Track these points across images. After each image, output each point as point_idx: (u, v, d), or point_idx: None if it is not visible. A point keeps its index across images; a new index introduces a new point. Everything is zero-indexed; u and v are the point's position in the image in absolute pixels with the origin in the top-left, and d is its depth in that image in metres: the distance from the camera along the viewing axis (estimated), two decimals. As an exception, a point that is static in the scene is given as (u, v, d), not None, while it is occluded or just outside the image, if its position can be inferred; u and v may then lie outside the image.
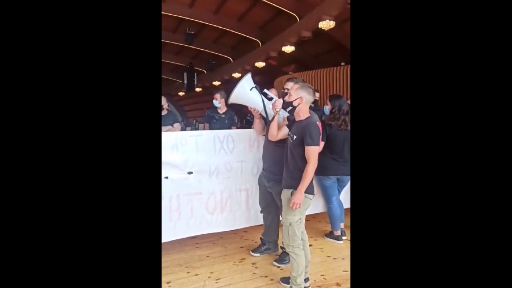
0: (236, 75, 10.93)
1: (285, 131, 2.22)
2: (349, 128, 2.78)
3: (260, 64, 9.97)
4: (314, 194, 2.13)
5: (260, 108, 2.44)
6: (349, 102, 3.07)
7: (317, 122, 2.08)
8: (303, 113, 2.07)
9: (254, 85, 2.41)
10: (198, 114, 11.66)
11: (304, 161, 2.01)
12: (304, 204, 2.04)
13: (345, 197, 3.11)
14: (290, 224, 2.06)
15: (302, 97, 2.04)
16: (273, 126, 2.25)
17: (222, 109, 3.96)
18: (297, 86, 2.12)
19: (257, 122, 2.62)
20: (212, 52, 12.38)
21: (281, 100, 2.20)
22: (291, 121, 2.24)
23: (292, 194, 2.04)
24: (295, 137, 2.05)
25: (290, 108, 2.09)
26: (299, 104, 2.05)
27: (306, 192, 2.03)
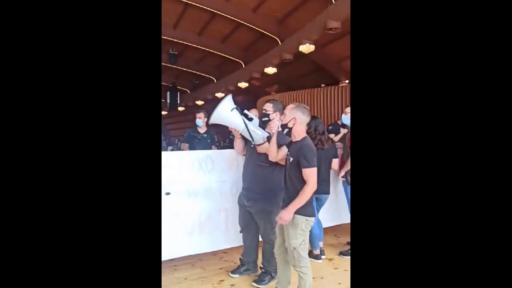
0: (219, 94, 11.06)
1: (284, 151, 2.18)
2: (325, 147, 2.86)
3: (243, 85, 10.14)
4: (315, 216, 2.12)
5: (240, 128, 2.48)
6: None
7: (312, 143, 2.06)
8: (298, 133, 2.05)
9: (234, 106, 2.46)
10: (181, 133, 11.61)
11: (302, 183, 1.98)
12: (306, 225, 2.02)
13: (324, 216, 3.15)
14: (295, 248, 2.02)
15: (296, 117, 2.03)
16: (272, 146, 2.24)
17: (203, 128, 4.00)
18: (292, 106, 2.10)
19: (238, 142, 2.65)
20: (196, 72, 12.52)
21: (276, 121, 2.24)
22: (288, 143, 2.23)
23: (293, 218, 2.00)
24: (291, 159, 2.03)
25: (286, 129, 2.07)
26: (294, 125, 2.03)
27: (306, 215, 2.00)
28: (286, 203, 2.03)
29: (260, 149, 2.39)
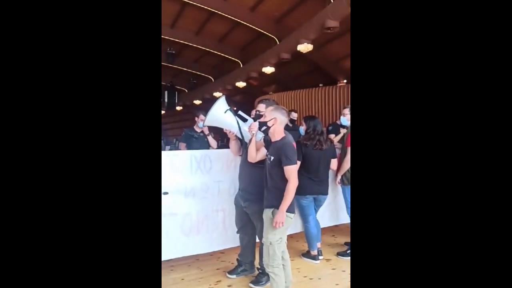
0: (217, 94, 11.03)
1: (263, 152, 2.25)
2: (324, 147, 2.85)
3: (241, 84, 10.11)
4: (294, 213, 2.15)
5: (235, 130, 2.47)
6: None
7: (292, 142, 2.13)
8: (278, 133, 2.12)
9: (228, 108, 2.45)
10: (179, 133, 11.54)
11: (283, 180, 2.04)
12: (285, 223, 2.05)
13: (322, 216, 3.13)
14: (271, 244, 2.06)
15: (276, 118, 2.10)
16: (252, 148, 2.29)
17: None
18: (271, 108, 2.19)
19: (233, 144, 2.64)
20: (193, 71, 12.48)
21: (256, 123, 2.25)
22: (267, 142, 2.28)
23: (273, 213, 2.05)
24: (272, 157, 2.09)
25: (264, 128, 2.14)
26: (273, 125, 2.10)
27: (287, 211, 2.04)
28: (267, 200, 2.11)
29: None
